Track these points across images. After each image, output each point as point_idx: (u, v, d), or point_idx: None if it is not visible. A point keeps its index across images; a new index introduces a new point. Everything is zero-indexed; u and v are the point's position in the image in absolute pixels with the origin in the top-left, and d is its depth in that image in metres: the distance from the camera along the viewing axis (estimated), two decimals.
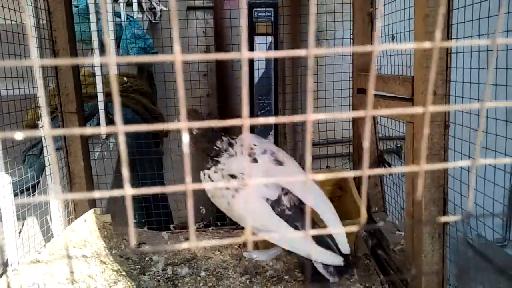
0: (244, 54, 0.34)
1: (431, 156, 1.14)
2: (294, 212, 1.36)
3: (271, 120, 0.39)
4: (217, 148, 1.50)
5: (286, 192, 1.39)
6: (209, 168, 1.49)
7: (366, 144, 0.41)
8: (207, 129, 1.52)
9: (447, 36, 1.06)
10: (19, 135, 0.31)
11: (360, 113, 0.41)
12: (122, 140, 0.35)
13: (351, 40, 1.95)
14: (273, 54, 0.65)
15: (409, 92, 1.19)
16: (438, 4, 1.04)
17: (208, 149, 1.50)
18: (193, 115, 1.61)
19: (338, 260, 1.29)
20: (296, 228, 1.34)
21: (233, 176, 1.46)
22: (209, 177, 1.49)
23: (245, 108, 0.35)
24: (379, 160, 1.70)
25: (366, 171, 0.41)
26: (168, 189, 0.38)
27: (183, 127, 0.35)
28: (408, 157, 1.24)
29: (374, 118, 1.69)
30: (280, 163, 1.47)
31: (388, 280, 1.43)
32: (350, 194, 1.61)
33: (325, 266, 1.30)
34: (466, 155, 1.23)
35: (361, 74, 1.65)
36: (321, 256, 1.29)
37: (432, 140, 1.14)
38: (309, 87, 0.36)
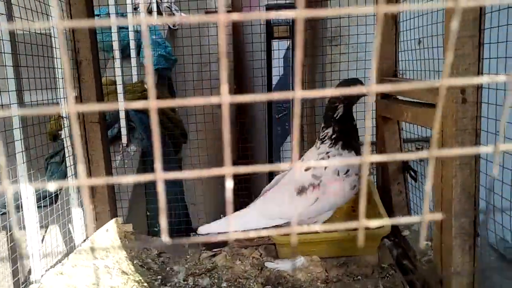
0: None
1: (461, 166, 1.10)
2: None
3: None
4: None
5: None
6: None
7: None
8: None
9: (479, 42, 1.01)
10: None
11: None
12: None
13: (366, 45, 1.92)
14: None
15: (436, 98, 1.15)
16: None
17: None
18: None
19: None
20: None
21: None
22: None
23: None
24: (403, 167, 1.65)
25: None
26: (207, 172, 0.36)
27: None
28: (436, 164, 1.20)
29: (398, 123, 1.64)
30: None
31: None
32: (374, 205, 1.57)
33: None
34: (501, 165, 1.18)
35: (385, 78, 1.60)
36: None
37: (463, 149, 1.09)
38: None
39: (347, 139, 1.49)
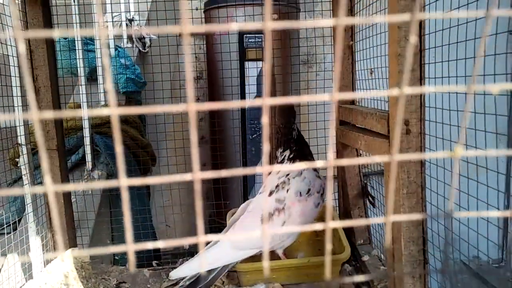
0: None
1: (408, 195, 1.13)
2: None
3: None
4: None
5: None
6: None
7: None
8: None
9: (420, 76, 1.06)
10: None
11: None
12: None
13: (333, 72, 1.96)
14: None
15: (385, 129, 1.19)
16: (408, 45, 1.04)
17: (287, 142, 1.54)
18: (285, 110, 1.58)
19: None
20: None
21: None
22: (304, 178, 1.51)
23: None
24: (363, 192, 1.68)
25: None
26: (174, 178, 0.35)
27: None
28: (387, 194, 1.23)
29: (357, 150, 1.68)
30: None
31: None
32: (335, 230, 1.58)
33: None
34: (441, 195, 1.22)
35: (342, 106, 1.64)
36: None
37: (409, 179, 1.12)
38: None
39: (305, 157, 1.53)
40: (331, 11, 1.94)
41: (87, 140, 2.12)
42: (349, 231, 1.69)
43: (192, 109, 0.33)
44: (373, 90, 1.46)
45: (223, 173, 0.37)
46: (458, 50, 1.11)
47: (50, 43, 1.58)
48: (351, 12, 1.64)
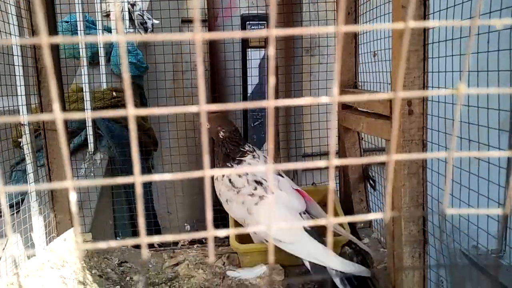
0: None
1: (409, 175, 1.13)
2: (311, 228, 1.41)
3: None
4: (244, 150, 1.56)
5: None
6: (230, 166, 1.53)
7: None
8: (235, 132, 1.59)
9: (423, 56, 1.06)
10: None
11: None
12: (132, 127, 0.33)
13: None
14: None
15: (388, 110, 1.19)
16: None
17: (233, 152, 1.56)
18: (221, 118, 1.62)
19: (358, 269, 1.33)
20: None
21: (258, 183, 1.48)
22: (229, 180, 1.50)
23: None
24: (364, 176, 1.69)
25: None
26: (186, 174, 0.36)
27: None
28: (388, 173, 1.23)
29: (358, 133, 1.68)
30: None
31: None
32: (336, 214, 1.59)
33: (343, 282, 1.31)
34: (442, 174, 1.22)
35: (345, 90, 1.64)
36: (343, 266, 1.32)
37: (410, 160, 1.13)
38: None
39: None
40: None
41: (89, 123, 2.13)
42: (350, 214, 1.70)
43: (203, 110, 0.33)
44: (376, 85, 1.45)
45: (227, 171, 0.37)
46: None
47: (52, 25, 1.58)
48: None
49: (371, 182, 1.62)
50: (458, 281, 1.88)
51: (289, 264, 1.55)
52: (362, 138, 1.66)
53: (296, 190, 1.56)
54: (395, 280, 1.24)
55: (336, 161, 0.39)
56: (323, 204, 1.79)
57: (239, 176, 1.49)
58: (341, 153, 1.75)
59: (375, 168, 1.64)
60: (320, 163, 0.41)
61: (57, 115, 0.30)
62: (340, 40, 0.34)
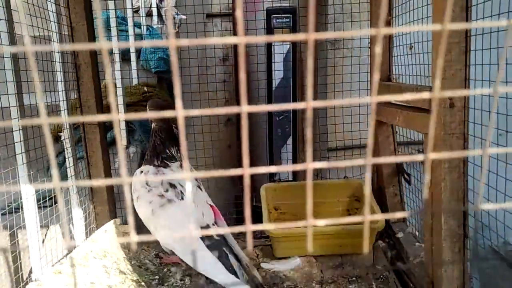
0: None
1: (450, 169, 1.12)
2: (217, 240, 1.37)
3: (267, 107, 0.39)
4: (170, 154, 1.48)
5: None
6: (152, 165, 1.46)
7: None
8: (163, 131, 1.50)
9: (466, 49, 1.04)
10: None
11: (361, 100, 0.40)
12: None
13: (369, 48, 1.94)
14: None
15: (426, 103, 1.18)
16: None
17: (160, 149, 1.49)
18: (157, 108, 1.55)
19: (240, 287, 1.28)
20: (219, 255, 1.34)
21: (172, 186, 1.43)
22: (145, 174, 1.46)
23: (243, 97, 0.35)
24: (398, 170, 1.68)
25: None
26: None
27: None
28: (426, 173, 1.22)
29: (392, 127, 1.67)
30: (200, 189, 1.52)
31: None
32: (371, 209, 1.59)
33: None
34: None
35: (379, 83, 1.63)
36: (225, 279, 1.29)
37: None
38: (309, 67, 0.36)
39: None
40: None
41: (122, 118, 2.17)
42: (384, 208, 1.70)
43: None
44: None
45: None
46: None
47: (89, 20, 1.61)
48: None
49: (405, 176, 1.61)
50: (489, 278, 1.85)
51: (324, 253, 1.56)
52: (397, 132, 1.64)
53: (210, 205, 1.50)
54: (433, 274, 1.23)
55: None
56: (356, 199, 1.79)
57: (156, 173, 1.43)
58: (373, 147, 1.74)
59: (411, 163, 1.63)
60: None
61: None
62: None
